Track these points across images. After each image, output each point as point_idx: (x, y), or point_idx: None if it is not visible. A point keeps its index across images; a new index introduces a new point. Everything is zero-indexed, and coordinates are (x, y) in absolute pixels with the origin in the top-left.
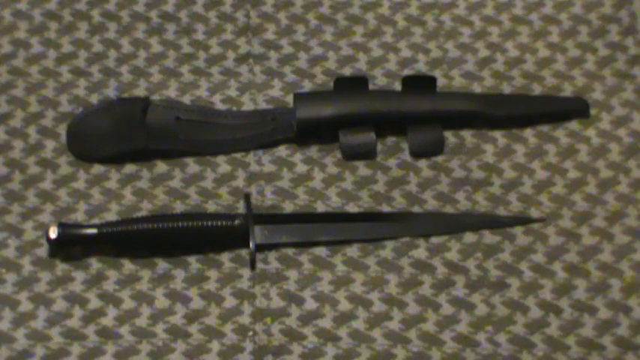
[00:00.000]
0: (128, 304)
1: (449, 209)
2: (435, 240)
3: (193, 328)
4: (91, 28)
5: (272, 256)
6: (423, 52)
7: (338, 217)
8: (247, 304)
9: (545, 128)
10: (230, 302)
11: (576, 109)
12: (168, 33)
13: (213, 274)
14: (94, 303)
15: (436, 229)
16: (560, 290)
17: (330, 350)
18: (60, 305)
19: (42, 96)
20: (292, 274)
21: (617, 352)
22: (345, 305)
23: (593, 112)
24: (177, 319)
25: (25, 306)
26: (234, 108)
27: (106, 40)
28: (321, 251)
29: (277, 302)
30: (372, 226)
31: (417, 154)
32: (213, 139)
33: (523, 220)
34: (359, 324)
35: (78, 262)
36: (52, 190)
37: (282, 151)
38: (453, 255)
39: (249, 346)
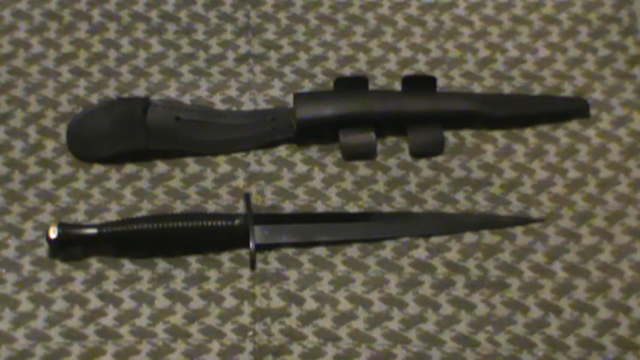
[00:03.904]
0: (128, 304)
1: (449, 209)
2: (435, 240)
3: (193, 328)
4: (91, 28)
5: (272, 256)
6: (423, 52)
7: (338, 217)
8: (247, 304)
9: (545, 128)
10: (230, 302)
11: (576, 109)
12: (168, 33)
13: (213, 274)
14: (94, 303)
15: (436, 229)
16: (560, 290)
17: (330, 350)
18: (60, 305)
19: (42, 96)
20: (292, 274)
21: (617, 352)
22: (345, 305)
23: (593, 112)
24: (177, 319)
25: (25, 306)
26: (234, 108)
27: (106, 40)
28: (321, 251)
29: (277, 302)
30: (372, 226)
31: (417, 154)
32: (213, 139)
33: (523, 220)
34: (359, 324)
35: (78, 262)
36: (52, 190)
37: (282, 151)
38: (453, 255)
39: (249, 346)
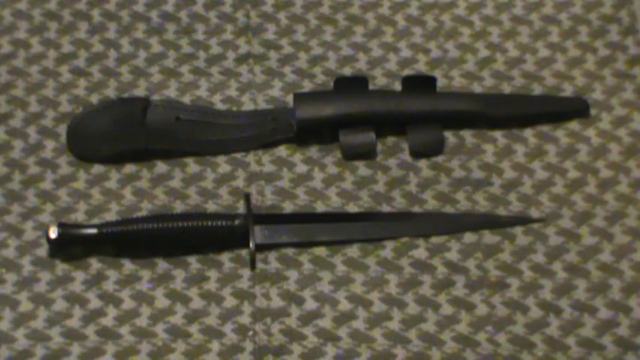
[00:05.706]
0: (128, 304)
1: (449, 209)
2: (435, 240)
3: (193, 328)
4: (91, 28)
5: (272, 256)
6: (423, 52)
7: (338, 217)
8: (247, 304)
9: (545, 128)
10: (230, 302)
11: (576, 109)
12: (168, 33)
13: (213, 274)
14: (94, 303)
15: (436, 229)
16: (560, 290)
17: (330, 350)
18: (60, 305)
19: (42, 96)
20: (292, 274)
21: (617, 352)
22: (345, 305)
23: (593, 112)
24: (177, 319)
25: (25, 306)
26: (234, 108)
27: (106, 40)
28: (321, 251)
29: (277, 302)
30: (372, 226)
31: (417, 154)
32: (213, 139)
33: (523, 220)
34: (359, 324)
35: (78, 262)
36: (52, 190)
37: (282, 151)
38: (453, 255)
39: (249, 346)
